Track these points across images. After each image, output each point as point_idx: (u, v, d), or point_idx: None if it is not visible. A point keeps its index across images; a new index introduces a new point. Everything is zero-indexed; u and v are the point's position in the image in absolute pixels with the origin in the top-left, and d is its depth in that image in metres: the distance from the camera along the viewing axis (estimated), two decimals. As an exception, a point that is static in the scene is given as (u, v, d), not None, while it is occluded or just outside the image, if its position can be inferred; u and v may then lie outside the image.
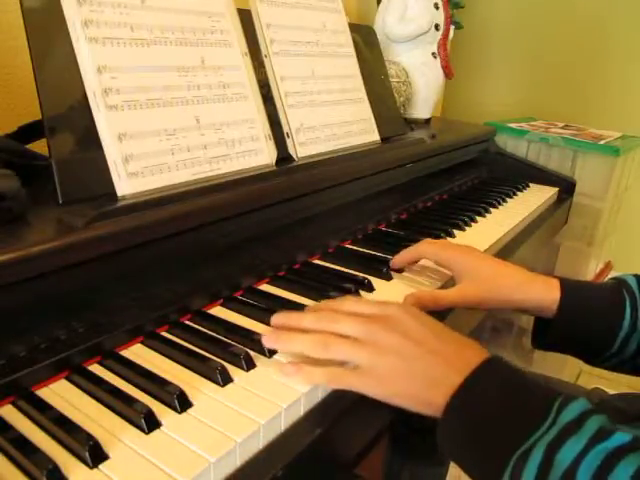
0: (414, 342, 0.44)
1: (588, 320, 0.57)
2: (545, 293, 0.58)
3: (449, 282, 0.66)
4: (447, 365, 0.42)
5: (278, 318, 0.49)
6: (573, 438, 0.35)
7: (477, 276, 0.59)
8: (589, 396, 0.68)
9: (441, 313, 0.59)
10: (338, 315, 0.47)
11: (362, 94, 0.84)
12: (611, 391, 0.68)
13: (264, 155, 0.65)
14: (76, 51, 0.50)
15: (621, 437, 0.35)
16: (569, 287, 0.58)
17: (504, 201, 1.04)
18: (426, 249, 0.65)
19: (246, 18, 0.68)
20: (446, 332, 0.46)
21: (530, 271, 0.61)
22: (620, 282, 0.59)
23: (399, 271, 0.68)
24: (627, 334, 0.56)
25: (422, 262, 0.69)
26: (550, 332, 0.59)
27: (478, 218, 0.92)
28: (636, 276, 0.60)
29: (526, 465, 0.36)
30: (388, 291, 0.63)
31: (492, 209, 0.98)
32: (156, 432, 0.38)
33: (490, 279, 0.59)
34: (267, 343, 0.47)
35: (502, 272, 0.59)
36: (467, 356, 0.43)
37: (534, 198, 1.09)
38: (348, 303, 0.50)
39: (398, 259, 0.67)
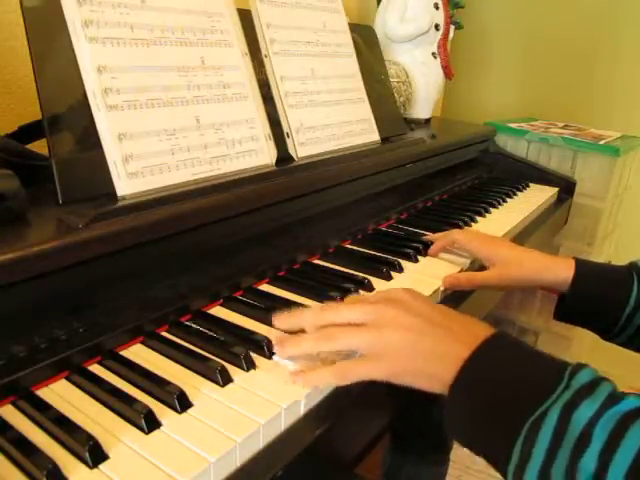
0: (420, 318, 0.44)
1: (596, 295, 0.63)
2: (563, 272, 0.64)
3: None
4: (455, 339, 0.42)
5: (280, 320, 0.48)
6: (588, 400, 0.35)
7: (506, 262, 0.67)
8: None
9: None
10: (340, 306, 0.48)
11: (362, 94, 0.84)
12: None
13: (264, 155, 0.65)
14: (76, 51, 0.50)
15: (633, 401, 0.35)
16: (582, 266, 0.64)
17: (504, 201, 1.04)
18: (458, 237, 0.72)
19: (246, 18, 0.68)
20: (451, 311, 0.47)
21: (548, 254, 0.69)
22: (632, 264, 0.65)
23: (400, 270, 0.68)
24: (632, 310, 0.61)
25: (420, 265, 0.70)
26: (564, 305, 0.65)
27: (478, 218, 0.92)
28: None
29: (541, 428, 0.35)
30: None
31: (492, 209, 0.98)
32: (156, 432, 0.38)
33: (517, 264, 0.67)
34: (280, 355, 0.47)
35: (526, 258, 0.67)
36: (474, 331, 0.42)
37: (534, 198, 1.09)
38: (350, 298, 0.52)
39: (434, 249, 0.73)
